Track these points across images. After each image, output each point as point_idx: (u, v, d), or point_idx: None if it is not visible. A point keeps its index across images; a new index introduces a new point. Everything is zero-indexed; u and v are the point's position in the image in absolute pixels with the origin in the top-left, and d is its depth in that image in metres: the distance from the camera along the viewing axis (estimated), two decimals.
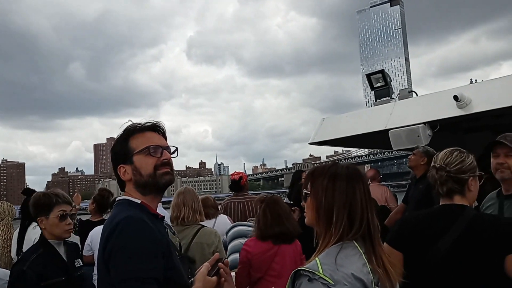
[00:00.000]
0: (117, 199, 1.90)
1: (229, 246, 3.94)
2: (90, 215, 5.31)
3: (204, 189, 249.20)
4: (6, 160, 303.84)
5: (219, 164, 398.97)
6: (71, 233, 2.91)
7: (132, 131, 1.89)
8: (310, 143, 5.69)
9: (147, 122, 1.92)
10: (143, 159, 1.84)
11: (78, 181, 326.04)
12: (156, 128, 1.94)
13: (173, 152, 1.94)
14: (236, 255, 3.59)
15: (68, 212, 2.84)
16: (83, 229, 4.86)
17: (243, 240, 3.59)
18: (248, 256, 3.31)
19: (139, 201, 1.83)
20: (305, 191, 1.72)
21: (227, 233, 4.10)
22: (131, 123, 1.93)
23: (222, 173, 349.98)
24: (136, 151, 1.85)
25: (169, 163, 1.89)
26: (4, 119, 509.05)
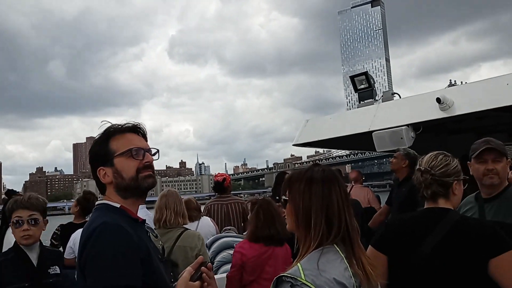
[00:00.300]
0: (96, 203, 1.84)
1: (218, 258, 3.87)
2: (73, 217, 5.21)
3: (184, 189, 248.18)
4: None
5: (200, 164, 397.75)
6: (29, 241, 2.70)
7: (113, 132, 1.83)
8: (294, 145, 5.71)
9: (127, 123, 1.87)
10: (125, 162, 1.79)
11: (56, 181, 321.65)
12: (136, 130, 1.88)
13: (154, 154, 1.90)
14: (228, 266, 3.54)
15: (24, 218, 2.69)
16: (66, 233, 4.76)
17: (231, 251, 3.55)
18: (242, 259, 3.29)
19: (118, 205, 1.77)
20: (284, 197, 1.72)
21: (209, 246, 4.01)
22: (109, 124, 1.87)
23: (203, 173, 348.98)
24: (117, 153, 1.79)
25: (151, 166, 1.84)
26: None
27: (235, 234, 4.10)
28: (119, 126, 1.85)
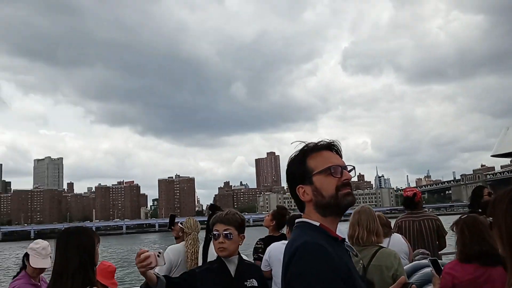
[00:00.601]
0: (296, 221, 1.86)
1: None
2: (268, 230, 5.48)
3: (363, 202, 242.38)
4: (178, 175, 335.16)
5: (379, 177, 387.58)
6: (224, 253, 2.89)
7: (309, 151, 1.84)
8: (493, 155, 5.12)
9: (322, 141, 1.87)
10: (324, 180, 1.78)
11: (241, 194, 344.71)
12: (332, 147, 1.87)
13: (350, 171, 1.85)
14: None
15: (220, 231, 2.90)
16: (268, 246, 4.96)
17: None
18: (454, 281, 3.00)
19: (317, 224, 1.76)
20: (489, 219, 1.61)
21: (408, 274, 3.55)
22: (303, 143, 1.88)
23: (382, 186, 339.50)
24: (316, 171, 1.79)
25: (349, 183, 1.80)
26: (178, 138, 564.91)
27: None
28: (315, 144, 1.86)
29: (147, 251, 2.52)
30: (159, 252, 2.54)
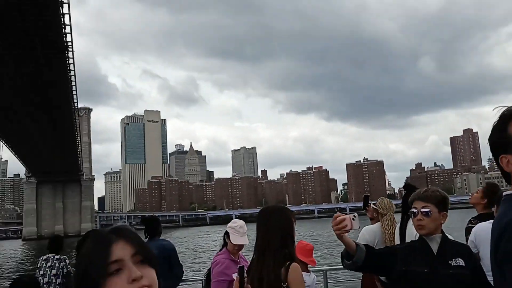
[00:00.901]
0: (504, 194, 1.70)
1: None
2: (476, 209, 5.12)
3: None
4: (366, 159, 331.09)
5: None
6: (422, 231, 2.83)
7: (509, 115, 1.66)
8: None
9: None
10: None
11: (436, 176, 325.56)
12: None
13: None
14: None
15: (418, 209, 2.83)
16: None
17: None
18: None
19: None
20: None
21: None
22: (505, 108, 1.71)
23: None
24: None
25: None
26: (364, 121, 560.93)
27: None
28: None
29: (343, 214, 2.59)
30: (354, 216, 2.59)
